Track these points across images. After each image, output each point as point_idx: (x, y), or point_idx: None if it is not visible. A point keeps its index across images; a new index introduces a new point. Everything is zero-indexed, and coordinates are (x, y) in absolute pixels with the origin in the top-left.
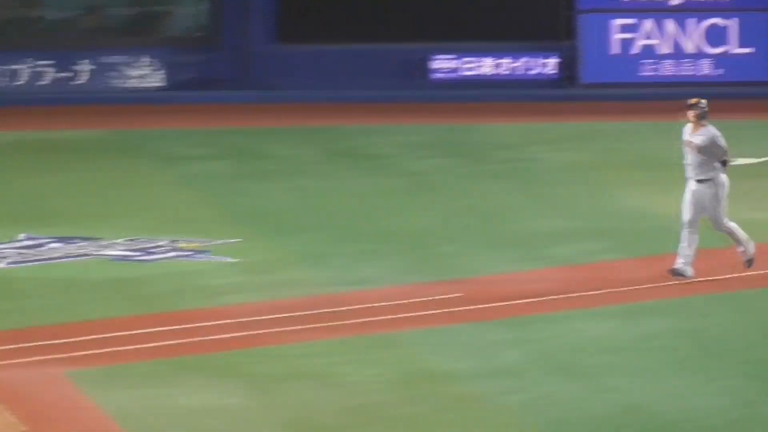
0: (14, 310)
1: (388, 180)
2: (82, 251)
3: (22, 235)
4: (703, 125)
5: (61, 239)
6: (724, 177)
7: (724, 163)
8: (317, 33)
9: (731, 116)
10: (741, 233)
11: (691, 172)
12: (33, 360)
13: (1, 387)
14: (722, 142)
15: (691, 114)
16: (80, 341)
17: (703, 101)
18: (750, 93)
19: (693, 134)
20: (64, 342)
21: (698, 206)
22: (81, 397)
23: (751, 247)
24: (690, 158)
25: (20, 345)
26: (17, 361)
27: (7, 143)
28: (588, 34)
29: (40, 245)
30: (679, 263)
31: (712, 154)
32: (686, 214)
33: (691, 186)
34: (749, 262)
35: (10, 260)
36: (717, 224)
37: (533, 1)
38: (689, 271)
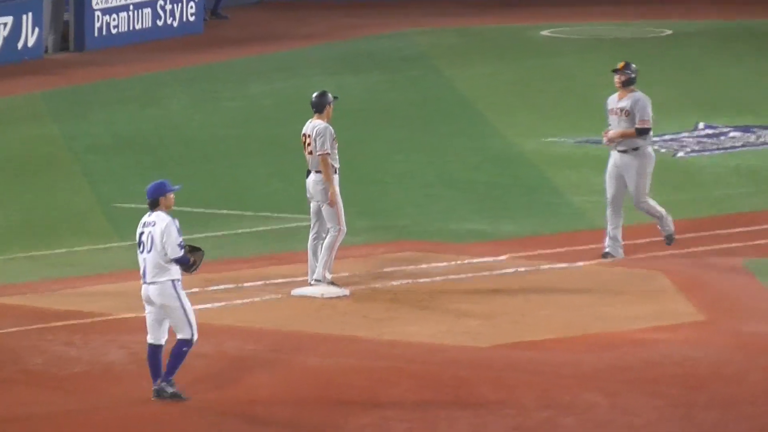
0: (694, 199)
1: None
2: (761, 140)
3: (701, 124)
4: (631, 90)
5: (739, 128)
6: (650, 149)
7: (645, 131)
8: None
9: None
10: (659, 209)
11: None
12: (711, 249)
13: (679, 276)
14: (650, 109)
15: (617, 79)
16: (761, 230)
17: (633, 66)
18: None
19: (620, 100)
20: (744, 231)
21: (621, 180)
22: (759, 286)
23: (670, 224)
24: (615, 126)
25: (699, 234)
26: (695, 249)
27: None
28: None
29: (720, 134)
30: (608, 246)
31: (634, 122)
32: (610, 190)
33: (614, 158)
34: (669, 239)
35: (689, 149)
36: (637, 200)
37: None
38: (621, 252)
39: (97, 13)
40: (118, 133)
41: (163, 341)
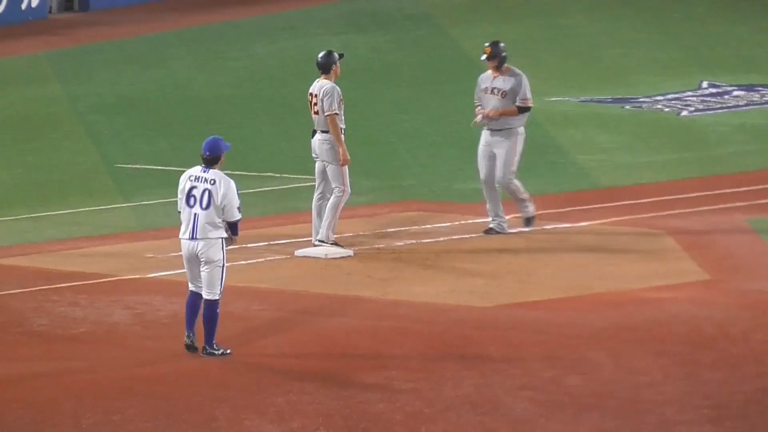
0: (698, 158)
1: None
2: (766, 99)
3: (704, 83)
4: (507, 69)
5: (743, 87)
6: (524, 129)
7: (526, 110)
8: None
9: None
10: (524, 193)
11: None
12: (716, 208)
13: (683, 235)
14: (529, 87)
15: (489, 64)
16: (765, 189)
17: (501, 44)
18: None
19: (495, 79)
20: (749, 190)
21: (493, 159)
22: (764, 245)
23: (532, 207)
24: (490, 106)
25: (703, 193)
26: (699, 209)
27: None
28: None
29: (724, 93)
30: (492, 222)
31: (513, 102)
32: (482, 170)
33: (485, 137)
34: (528, 221)
35: (692, 108)
36: (503, 177)
37: None
38: (506, 227)
39: None
40: (122, 94)
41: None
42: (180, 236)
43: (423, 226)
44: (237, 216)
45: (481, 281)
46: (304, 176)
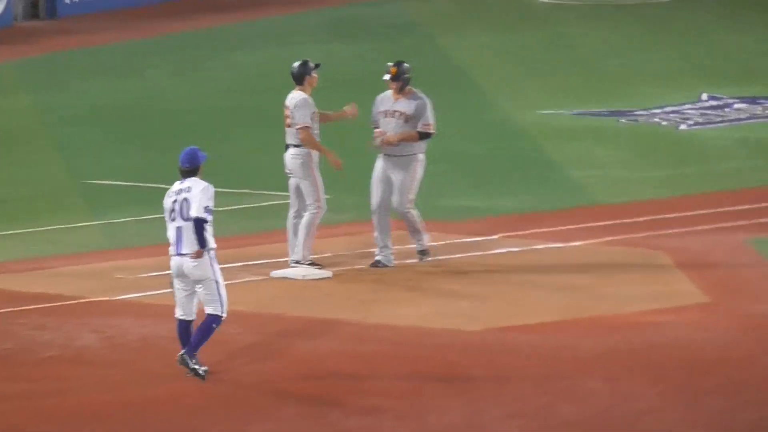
0: (698, 174)
1: None
2: None
3: (704, 95)
4: (410, 92)
5: (745, 99)
6: (423, 155)
7: (427, 136)
8: None
9: None
10: (420, 223)
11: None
12: (716, 227)
13: (682, 255)
14: (432, 112)
15: (392, 85)
16: (764, 207)
17: (405, 65)
18: None
19: (397, 101)
20: (751, 208)
21: (388, 184)
22: (766, 264)
23: (427, 238)
24: (390, 129)
25: (703, 211)
26: (699, 228)
27: None
28: None
29: (725, 106)
30: (378, 254)
31: (415, 126)
32: (375, 196)
33: (382, 162)
34: (423, 253)
35: (692, 122)
36: (400, 204)
37: None
38: (392, 259)
39: None
40: (93, 105)
41: (193, 316)
42: (169, 254)
43: (406, 245)
44: (198, 213)
45: (469, 303)
46: (282, 192)
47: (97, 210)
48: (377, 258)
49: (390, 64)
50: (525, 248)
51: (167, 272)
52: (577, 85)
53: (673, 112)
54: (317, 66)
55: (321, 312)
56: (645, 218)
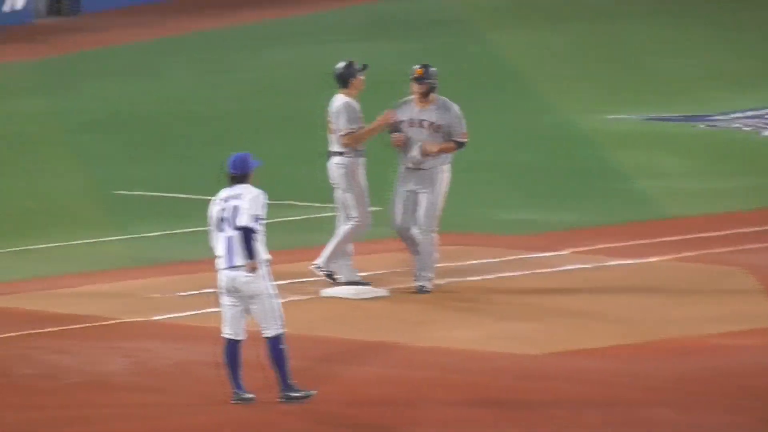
0: None
1: None
2: None
3: None
4: (435, 99)
5: None
6: (449, 165)
7: (461, 145)
8: None
9: None
10: (436, 250)
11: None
12: None
13: (762, 273)
14: (463, 120)
15: (417, 88)
16: None
17: (433, 69)
18: None
19: (424, 110)
20: None
21: (412, 201)
22: None
23: (433, 274)
24: (419, 140)
25: None
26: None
27: None
28: None
29: None
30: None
31: (447, 135)
32: (399, 214)
33: (405, 175)
34: (422, 290)
35: None
36: (429, 225)
37: None
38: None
39: None
40: (114, 109)
41: (243, 336)
42: (217, 268)
43: (461, 263)
44: (247, 222)
45: (528, 326)
46: (324, 204)
47: (120, 223)
48: (420, 283)
49: (416, 66)
50: (589, 265)
51: (204, 291)
52: (637, 87)
53: (754, 116)
54: (364, 67)
55: (370, 334)
56: (721, 233)
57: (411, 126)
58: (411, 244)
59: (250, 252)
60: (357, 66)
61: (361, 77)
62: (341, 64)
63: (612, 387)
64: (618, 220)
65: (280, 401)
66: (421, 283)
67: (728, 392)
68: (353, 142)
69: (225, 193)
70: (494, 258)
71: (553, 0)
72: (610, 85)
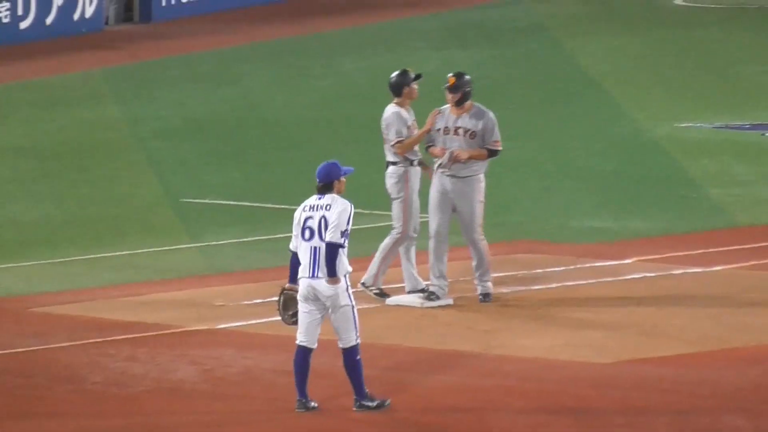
0: None
1: None
2: None
3: None
4: (471, 106)
5: None
6: (483, 174)
7: (495, 153)
8: None
9: None
10: (488, 256)
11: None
12: None
13: None
14: (497, 127)
15: (450, 97)
16: None
17: (467, 77)
18: None
19: (460, 117)
20: None
21: (448, 209)
22: None
23: (491, 279)
24: (455, 148)
25: None
26: None
27: None
28: None
29: None
30: (434, 284)
31: (481, 143)
32: (435, 220)
33: (440, 182)
34: (486, 297)
35: None
36: (473, 233)
37: None
38: (446, 293)
39: None
40: (188, 116)
41: (315, 345)
42: (299, 275)
43: (533, 271)
44: (334, 238)
45: (599, 334)
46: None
47: (193, 231)
48: (432, 289)
49: (449, 74)
50: (661, 273)
51: (273, 299)
52: (716, 95)
53: None
54: (418, 77)
55: (439, 343)
56: None
57: (446, 133)
58: (441, 253)
59: (329, 268)
60: (411, 75)
61: (415, 86)
62: (395, 74)
63: (684, 395)
64: (688, 228)
65: (355, 410)
66: (484, 291)
67: None
68: (403, 151)
69: (314, 200)
70: (561, 266)
71: (630, 7)
72: (686, 92)
